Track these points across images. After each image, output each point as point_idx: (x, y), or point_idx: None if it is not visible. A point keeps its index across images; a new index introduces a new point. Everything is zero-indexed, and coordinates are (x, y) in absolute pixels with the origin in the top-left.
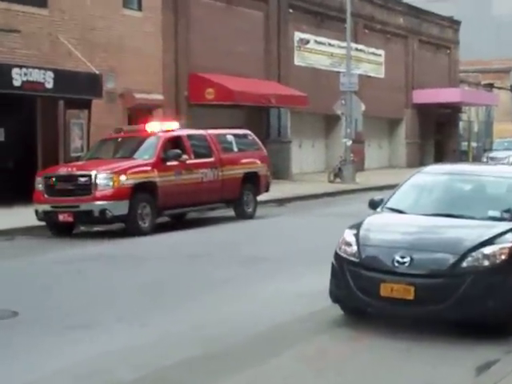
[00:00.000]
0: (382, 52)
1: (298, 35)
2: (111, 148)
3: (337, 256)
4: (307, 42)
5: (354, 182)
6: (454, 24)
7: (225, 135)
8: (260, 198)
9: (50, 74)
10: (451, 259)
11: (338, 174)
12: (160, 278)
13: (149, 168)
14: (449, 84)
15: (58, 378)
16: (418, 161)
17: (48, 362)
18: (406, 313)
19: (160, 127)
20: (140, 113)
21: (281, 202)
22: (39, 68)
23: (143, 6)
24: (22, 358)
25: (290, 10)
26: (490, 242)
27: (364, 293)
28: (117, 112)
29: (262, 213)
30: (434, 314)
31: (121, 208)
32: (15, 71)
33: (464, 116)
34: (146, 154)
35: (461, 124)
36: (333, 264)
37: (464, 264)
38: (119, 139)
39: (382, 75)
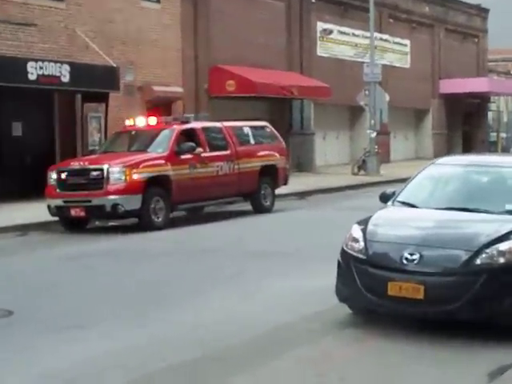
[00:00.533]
0: (407, 42)
1: (320, 25)
2: (125, 141)
3: (343, 253)
4: (330, 32)
5: (378, 175)
6: (481, 12)
7: (241, 127)
8: (280, 191)
9: (66, 68)
10: (464, 256)
11: (361, 166)
12: (167, 275)
13: (162, 161)
14: (477, 73)
15: (43, 383)
16: (445, 152)
17: (35, 365)
18: (415, 313)
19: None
20: (159, 106)
21: (302, 195)
22: (55, 61)
23: None
24: (9, 360)
25: (313, 0)
26: (506, 237)
27: (371, 292)
28: (135, 105)
29: (281, 206)
30: (445, 314)
31: (133, 202)
32: (30, 65)
33: (493, 106)
34: (159, 148)
35: (490, 114)
36: (339, 261)
37: (478, 261)
38: (133, 132)
39: (407, 65)
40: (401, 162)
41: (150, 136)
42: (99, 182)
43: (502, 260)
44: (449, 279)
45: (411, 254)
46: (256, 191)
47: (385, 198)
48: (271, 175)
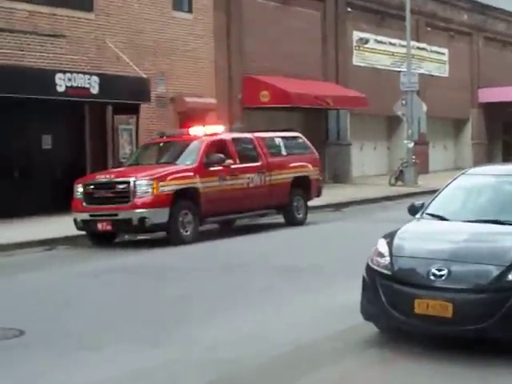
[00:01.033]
0: (445, 50)
1: (356, 34)
2: (154, 153)
3: (368, 268)
4: (367, 41)
5: (416, 185)
6: None
7: (273, 138)
8: (315, 202)
9: (96, 79)
10: (495, 271)
11: (399, 176)
12: (189, 291)
13: (191, 173)
14: None
15: None
16: (485, 162)
17: None
18: (443, 332)
19: (204, 131)
20: (192, 117)
21: (337, 206)
22: (84, 73)
23: (194, 7)
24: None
25: (349, 9)
26: None
27: (397, 309)
28: (168, 117)
29: (315, 218)
30: (475, 333)
31: (161, 216)
32: (59, 76)
33: None
34: (188, 159)
35: None
36: (364, 277)
37: (510, 277)
38: (161, 144)
39: (445, 74)
40: (440, 172)
41: (179, 148)
42: (126, 196)
43: None
44: (479, 296)
45: (439, 270)
46: (288, 203)
47: (413, 211)
48: (304, 187)
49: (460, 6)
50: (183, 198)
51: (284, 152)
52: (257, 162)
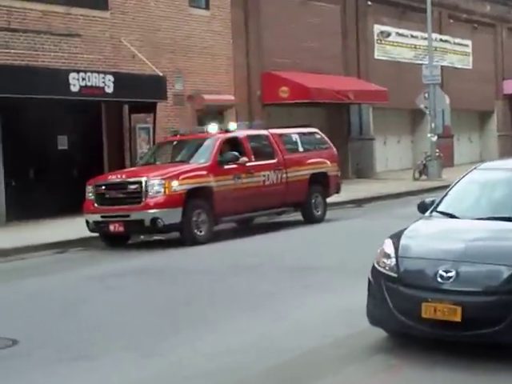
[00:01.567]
0: (468, 42)
1: (378, 28)
2: (167, 152)
3: (374, 270)
4: (388, 34)
5: (440, 179)
6: None
7: (289, 134)
8: (336, 199)
9: (110, 78)
10: (506, 272)
11: (422, 170)
12: (194, 294)
13: (204, 172)
14: None
15: None
16: (511, 154)
17: None
18: (452, 337)
19: (217, 128)
20: (210, 114)
21: (359, 202)
22: (98, 72)
23: (211, 4)
24: None
25: (369, 3)
26: None
27: (403, 314)
28: (185, 114)
29: (335, 215)
30: (485, 338)
31: (173, 216)
32: (72, 76)
33: None
34: (201, 158)
35: None
36: (369, 280)
37: None
38: (175, 143)
39: (469, 66)
40: (465, 165)
41: (193, 146)
42: (138, 196)
43: None
44: (489, 299)
45: (446, 271)
46: (306, 201)
47: (423, 208)
48: (322, 183)
49: None
50: (196, 198)
51: (301, 148)
52: (273, 159)
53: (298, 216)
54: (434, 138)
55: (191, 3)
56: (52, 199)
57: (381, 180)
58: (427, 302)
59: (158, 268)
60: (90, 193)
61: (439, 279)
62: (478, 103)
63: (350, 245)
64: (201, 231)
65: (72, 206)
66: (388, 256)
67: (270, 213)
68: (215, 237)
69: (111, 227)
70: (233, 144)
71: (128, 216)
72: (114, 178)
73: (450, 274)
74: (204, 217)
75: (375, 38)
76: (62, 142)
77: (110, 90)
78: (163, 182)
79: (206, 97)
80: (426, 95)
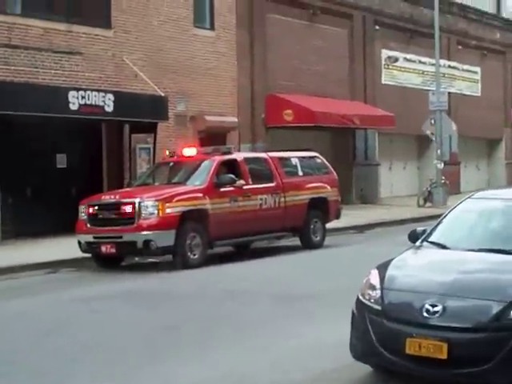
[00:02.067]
0: (477, 69)
1: (385, 53)
2: (164, 173)
3: (358, 302)
4: (396, 59)
5: (445, 206)
6: None
7: (289, 158)
8: (337, 224)
9: (110, 97)
10: (495, 307)
11: (427, 197)
12: (177, 322)
13: (199, 194)
14: None
15: None
16: None
17: None
18: (437, 375)
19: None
20: (213, 136)
21: (360, 228)
22: (98, 91)
23: (216, 25)
24: None
25: (377, 27)
26: None
27: (387, 349)
28: (187, 135)
29: (334, 241)
30: (473, 377)
31: (166, 238)
32: (72, 94)
33: None
34: (197, 180)
35: None
36: (353, 312)
37: None
38: (172, 164)
39: (478, 93)
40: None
41: (190, 168)
42: (130, 217)
43: None
44: (477, 335)
45: (433, 306)
46: (304, 226)
47: (414, 237)
48: (321, 208)
49: (492, 24)
50: (191, 220)
51: (300, 172)
52: (271, 182)
53: (297, 241)
54: (440, 165)
55: (196, 24)
56: (49, 218)
57: (385, 206)
58: (412, 337)
59: (147, 291)
60: (82, 213)
61: (425, 314)
62: (486, 131)
63: (347, 272)
64: (194, 254)
65: (69, 225)
66: (373, 287)
67: (267, 237)
68: (210, 260)
69: (103, 248)
70: (230, 166)
71: (120, 237)
72: (108, 198)
73: (436, 309)
74: (198, 240)
75: (382, 62)
76: (61, 161)
77: (109, 109)
78: (157, 203)
79: (208, 118)
80: (432, 121)
